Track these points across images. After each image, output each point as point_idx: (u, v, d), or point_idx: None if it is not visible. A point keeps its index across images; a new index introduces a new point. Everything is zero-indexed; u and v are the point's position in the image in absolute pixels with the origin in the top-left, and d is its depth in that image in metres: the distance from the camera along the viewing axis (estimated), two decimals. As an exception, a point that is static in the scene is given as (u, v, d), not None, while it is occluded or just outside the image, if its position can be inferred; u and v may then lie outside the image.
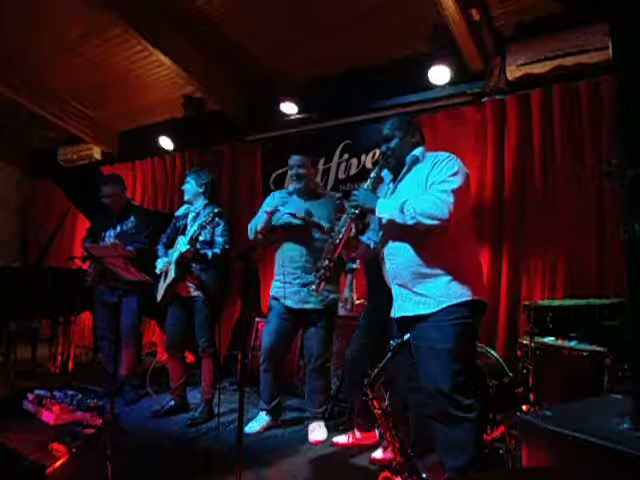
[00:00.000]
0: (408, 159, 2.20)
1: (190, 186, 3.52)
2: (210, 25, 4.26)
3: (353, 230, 2.16)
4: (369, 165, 4.41)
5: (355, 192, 2.14)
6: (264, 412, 3.27)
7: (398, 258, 2.12)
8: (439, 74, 3.78)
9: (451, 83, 3.83)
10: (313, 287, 2.20)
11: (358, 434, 2.96)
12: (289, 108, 4.64)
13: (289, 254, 3.16)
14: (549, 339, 2.77)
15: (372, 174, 2.20)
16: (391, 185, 2.27)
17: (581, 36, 3.26)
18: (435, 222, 1.94)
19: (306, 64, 4.46)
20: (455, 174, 2.02)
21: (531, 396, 2.69)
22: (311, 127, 4.74)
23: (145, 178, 6.07)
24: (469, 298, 2.02)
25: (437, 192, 1.98)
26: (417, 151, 2.22)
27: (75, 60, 5.03)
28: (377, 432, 2.93)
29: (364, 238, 2.27)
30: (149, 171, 6.03)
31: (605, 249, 3.27)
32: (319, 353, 3.13)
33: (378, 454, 2.71)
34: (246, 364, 4.00)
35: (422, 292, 2.05)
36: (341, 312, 3.54)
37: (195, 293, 3.40)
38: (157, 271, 3.44)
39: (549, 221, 3.51)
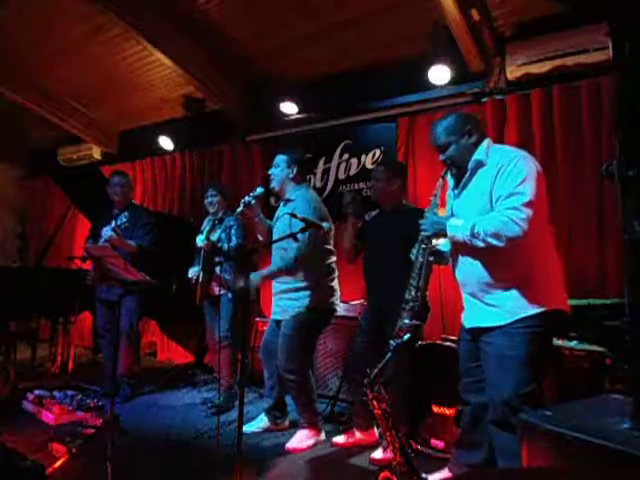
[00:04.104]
0: (470, 165, 2.03)
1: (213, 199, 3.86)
2: (210, 25, 4.26)
3: (429, 258, 2.13)
4: (369, 165, 4.40)
5: (422, 222, 2.08)
6: (264, 413, 3.26)
7: (466, 266, 2.04)
8: (439, 74, 3.78)
9: (451, 83, 3.83)
10: (405, 321, 2.16)
11: (358, 434, 2.96)
12: (289, 108, 4.63)
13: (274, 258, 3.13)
14: (549, 339, 2.76)
15: (436, 191, 2.11)
16: (455, 191, 2.15)
17: (581, 36, 3.26)
18: (508, 243, 1.83)
19: (306, 64, 4.46)
20: (523, 181, 1.84)
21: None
22: (311, 127, 4.73)
23: (145, 178, 6.07)
24: (543, 309, 1.90)
25: (506, 210, 1.83)
26: (479, 153, 2.02)
27: (75, 60, 5.03)
28: (376, 431, 2.93)
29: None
30: (149, 171, 6.03)
31: (605, 249, 3.27)
32: (280, 364, 2.94)
33: (378, 454, 2.71)
34: (246, 364, 4.01)
35: (493, 303, 1.96)
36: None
37: (221, 292, 3.52)
38: (198, 245, 3.59)
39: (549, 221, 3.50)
